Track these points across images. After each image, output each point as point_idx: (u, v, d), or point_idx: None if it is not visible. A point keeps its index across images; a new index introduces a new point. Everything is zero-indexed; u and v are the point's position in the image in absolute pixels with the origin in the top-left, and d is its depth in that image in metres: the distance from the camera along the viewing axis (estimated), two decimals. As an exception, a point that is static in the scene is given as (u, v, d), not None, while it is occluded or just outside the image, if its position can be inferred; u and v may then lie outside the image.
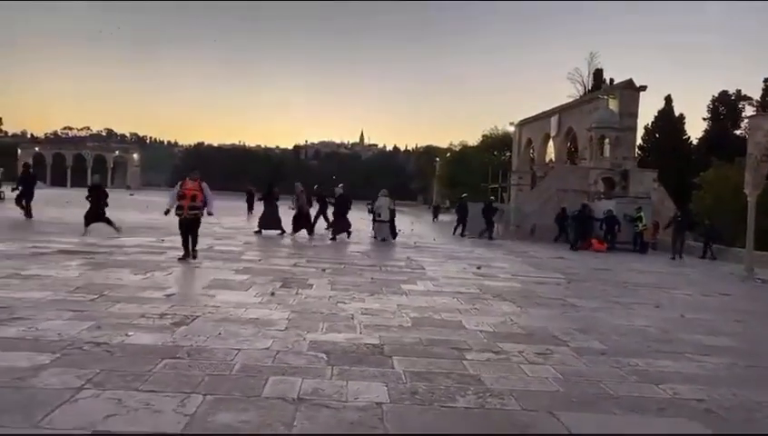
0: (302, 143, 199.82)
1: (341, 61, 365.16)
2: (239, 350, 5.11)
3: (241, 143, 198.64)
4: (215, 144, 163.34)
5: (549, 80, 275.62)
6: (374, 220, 18.77)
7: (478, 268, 12.48)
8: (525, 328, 6.85)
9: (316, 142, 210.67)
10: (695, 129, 51.45)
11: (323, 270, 10.65)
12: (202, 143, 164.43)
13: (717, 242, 21.06)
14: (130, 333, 5.41)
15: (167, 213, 10.92)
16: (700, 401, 4.57)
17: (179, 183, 10.69)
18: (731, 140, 43.54)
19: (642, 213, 21.01)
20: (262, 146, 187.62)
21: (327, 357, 5.07)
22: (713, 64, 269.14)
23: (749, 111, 48.98)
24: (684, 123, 50.50)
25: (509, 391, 4.48)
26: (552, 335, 6.53)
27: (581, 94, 48.09)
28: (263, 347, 5.27)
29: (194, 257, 10.56)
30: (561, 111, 34.04)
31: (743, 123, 45.57)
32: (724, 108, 50.34)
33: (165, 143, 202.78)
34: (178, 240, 11.20)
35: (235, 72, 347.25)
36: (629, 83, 28.28)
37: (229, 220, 22.74)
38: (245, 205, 30.76)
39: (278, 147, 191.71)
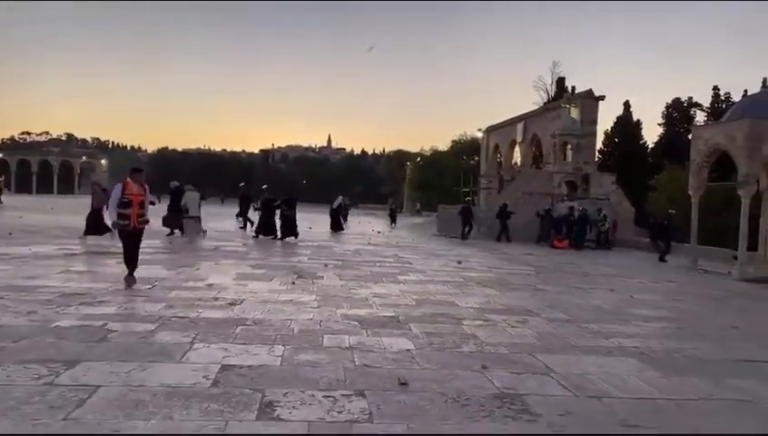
0: (269, 147, 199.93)
1: (308, 65, 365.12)
2: (291, 320, 6.61)
3: (206, 148, 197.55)
4: (179, 149, 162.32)
5: (515, 87, 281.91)
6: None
7: (459, 263, 14.14)
8: (504, 305, 8.50)
9: (283, 146, 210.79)
10: (652, 134, 54.52)
11: (325, 265, 12.14)
12: (167, 148, 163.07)
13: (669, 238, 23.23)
14: (199, 311, 6.84)
15: (114, 227, 8.55)
16: (636, 348, 6.26)
17: (118, 186, 8.33)
18: (683, 144, 46.36)
19: (605, 214, 23.22)
20: (228, 150, 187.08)
21: (359, 324, 6.61)
22: (667, 73, 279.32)
23: (700, 116, 52.26)
24: (641, 129, 53.36)
25: (499, 343, 6.10)
26: (527, 309, 8.20)
27: (545, 100, 50.60)
28: (308, 318, 6.77)
29: (134, 282, 8.22)
30: (526, 118, 36.09)
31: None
32: (677, 114, 53.42)
33: (128, 147, 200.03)
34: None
35: (197, 76, 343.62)
36: (589, 93, 30.46)
37: (220, 224, 23.94)
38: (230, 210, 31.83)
39: (244, 151, 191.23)
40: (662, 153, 46.73)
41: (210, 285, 8.71)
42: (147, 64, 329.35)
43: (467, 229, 23.86)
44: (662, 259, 18.79)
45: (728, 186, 19.04)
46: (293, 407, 3.91)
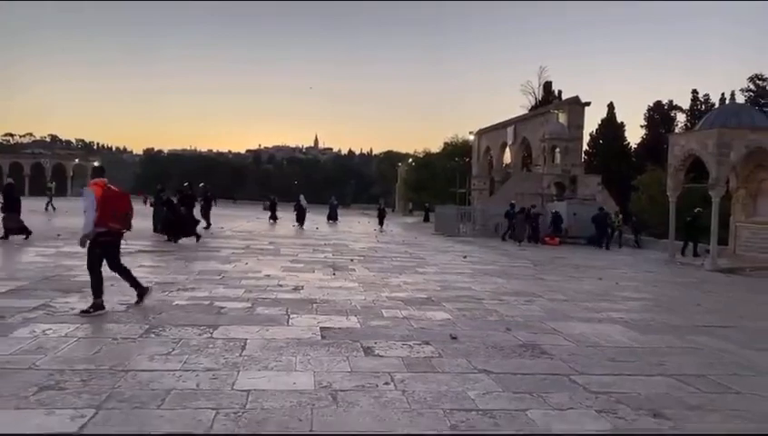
0: (256, 147, 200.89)
1: (293, 65, 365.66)
2: (349, 300, 8.37)
3: (193, 148, 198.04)
4: (165, 150, 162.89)
5: (504, 91, 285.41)
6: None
7: (464, 257, 15.97)
8: (513, 290, 10.32)
9: (270, 146, 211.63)
10: (635, 135, 56.96)
11: (351, 260, 13.89)
12: (152, 149, 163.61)
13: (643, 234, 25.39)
14: (273, 294, 8.56)
15: (85, 241, 6.73)
16: (621, 318, 8.10)
17: (88, 191, 6.75)
18: (665, 146, 48.72)
19: (621, 215, 25.47)
20: (214, 151, 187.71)
21: (403, 302, 8.38)
22: (649, 77, 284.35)
23: (680, 118, 54.74)
24: (625, 130, 55.64)
25: (515, 314, 7.91)
26: (531, 292, 10.04)
27: (533, 104, 52.67)
28: (361, 299, 8.53)
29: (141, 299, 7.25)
30: (516, 122, 38.13)
31: (677, 130, 50.86)
32: (659, 116, 55.79)
33: (114, 149, 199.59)
34: (228, 238, 14.13)
35: (182, 77, 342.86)
36: (576, 99, 32.53)
37: (243, 224, 25.58)
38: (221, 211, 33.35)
39: (230, 151, 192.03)
40: (644, 154, 48.98)
41: (267, 276, 10.42)
42: (130, 64, 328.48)
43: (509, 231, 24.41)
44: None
45: (702, 187, 21.04)
46: (385, 349, 5.68)
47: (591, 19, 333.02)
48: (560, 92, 52.33)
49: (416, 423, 3.84)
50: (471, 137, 46.42)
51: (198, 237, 16.46)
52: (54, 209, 31.29)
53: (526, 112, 45.00)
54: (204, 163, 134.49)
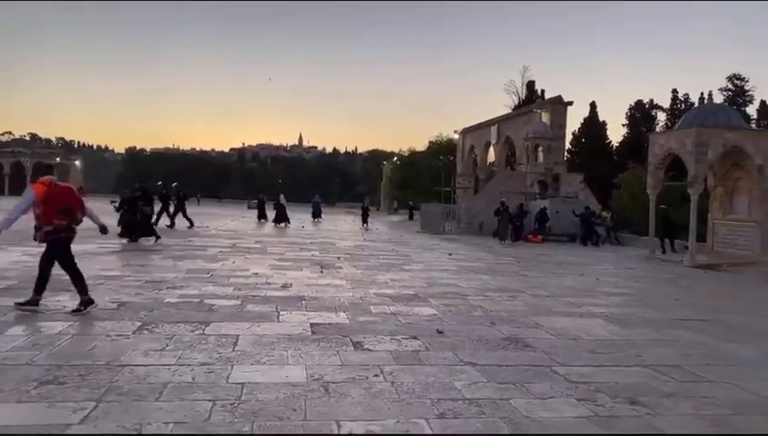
0: (240, 146, 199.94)
1: (278, 62, 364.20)
2: (337, 296, 8.53)
3: (176, 147, 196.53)
4: (148, 149, 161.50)
5: (488, 90, 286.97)
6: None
7: (450, 255, 16.19)
8: (497, 286, 10.56)
9: (254, 144, 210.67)
10: (616, 134, 57.65)
11: (338, 258, 14.04)
12: (135, 148, 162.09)
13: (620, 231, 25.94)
14: (262, 292, 8.69)
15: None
16: (601, 312, 8.36)
17: (29, 190, 6.65)
18: (645, 144, 49.48)
19: (612, 213, 25.74)
20: (198, 150, 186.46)
21: (391, 299, 8.56)
22: (630, 76, 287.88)
23: (661, 117, 55.62)
24: (607, 129, 56.39)
25: (499, 310, 8.12)
26: (515, 288, 10.27)
27: (516, 103, 53.16)
28: (350, 295, 8.69)
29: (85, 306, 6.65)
30: (500, 121, 38.43)
31: (657, 129, 51.68)
32: (640, 115, 56.61)
33: (95, 147, 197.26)
34: (211, 238, 14.19)
35: (164, 75, 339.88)
36: (558, 99, 32.90)
37: (228, 223, 25.56)
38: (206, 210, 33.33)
39: (213, 150, 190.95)
40: (626, 152, 49.70)
41: (255, 274, 10.54)
42: (111, 63, 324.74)
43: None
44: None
45: (681, 185, 21.50)
46: (374, 344, 5.86)
47: (573, 19, 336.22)
48: (543, 91, 52.93)
49: (405, 412, 4.02)
50: (456, 136, 46.72)
51: (158, 237, 15.88)
52: None
53: (510, 111, 45.42)
54: (188, 161, 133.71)
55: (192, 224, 21.58)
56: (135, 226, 15.70)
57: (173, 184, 23.62)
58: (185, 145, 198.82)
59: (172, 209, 21.63)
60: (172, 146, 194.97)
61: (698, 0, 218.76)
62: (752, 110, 50.05)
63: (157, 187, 22.63)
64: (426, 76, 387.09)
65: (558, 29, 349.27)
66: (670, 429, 3.98)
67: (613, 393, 4.66)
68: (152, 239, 15.80)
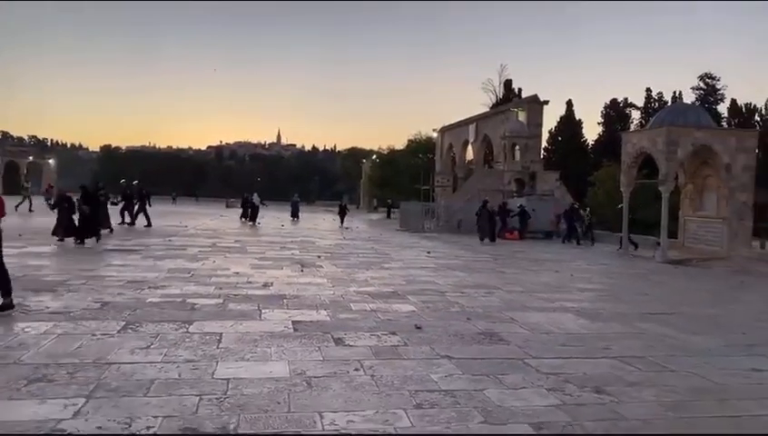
0: (217, 143, 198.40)
1: (254, 60, 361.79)
2: (318, 295, 8.70)
3: (152, 145, 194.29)
4: (123, 147, 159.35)
5: (467, 88, 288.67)
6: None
7: (428, 253, 16.46)
8: (474, 282, 10.83)
9: (232, 142, 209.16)
10: (592, 132, 58.61)
11: (318, 256, 14.20)
12: (110, 146, 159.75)
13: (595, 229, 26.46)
14: (244, 291, 8.83)
15: None
16: (573, 307, 8.67)
17: None
18: (620, 142, 50.37)
19: (589, 212, 25.96)
20: (174, 147, 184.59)
21: (370, 296, 8.77)
22: (606, 75, 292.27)
23: (635, 115, 56.65)
24: (582, 128, 57.26)
25: (476, 306, 8.38)
26: (491, 285, 10.56)
27: (494, 102, 53.71)
28: (330, 293, 8.88)
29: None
30: (478, 120, 38.88)
31: (632, 127, 52.66)
32: (615, 113, 57.59)
33: (69, 145, 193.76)
34: (188, 236, 14.24)
35: (139, 72, 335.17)
36: (535, 98, 33.40)
37: (207, 223, 25.52)
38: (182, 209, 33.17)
39: (190, 148, 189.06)
40: (601, 150, 50.57)
41: (236, 273, 10.66)
42: (83, 60, 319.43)
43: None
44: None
45: (653, 183, 22.08)
46: (355, 340, 6.06)
47: (551, 17, 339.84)
48: (520, 90, 53.50)
49: (384, 403, 4.24)
50: (435, 134, 47.10)
51: (99, 237, 15.41)
52: (31, 209, 29.79)
53: (488, 109, 45.90)
54: (165, 159, 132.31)
55: (149, 224, 21.22)
56: (80, 226, 14.95)
57: (134, 182, 23.25)
58: (162, 143, 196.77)
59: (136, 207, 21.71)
60: (148, 144, 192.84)
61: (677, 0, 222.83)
62: (723, 109, 51.28)
63: (120, 185, 22.57)
64: (405, 74, 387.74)
65: (536, 28, 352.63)
66: (632, 415, 4.25)
67: (581, 383, 4.93)
68: (94, 238, 15.13)
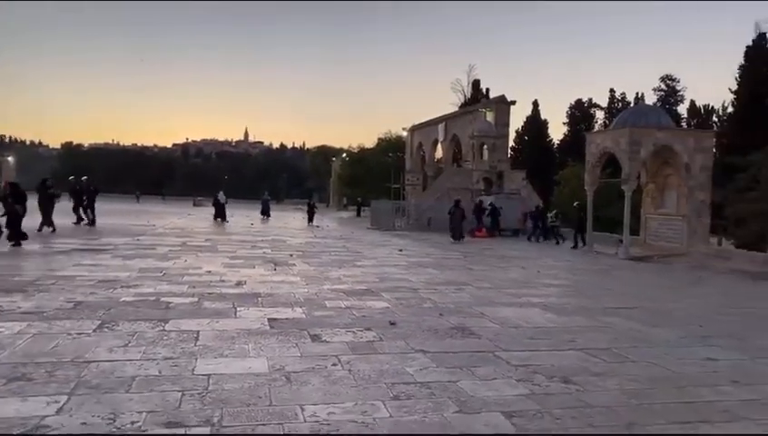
0: (183, 141, 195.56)
1: (219, 57, 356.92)
2: (293, 293, 8.80)
3: (116, 142, 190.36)
4: (86, 144, 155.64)
5: (435, 87, 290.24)
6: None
7: (400, 250, 16.66)
8: (445, 279, 11.07)
9: (198, 140, 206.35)
10: (558, 132, 59.82)
11: (290, 255, 14.25)
12: (71, 143, 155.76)
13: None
14: (217, 290, 8.86)
15: None
16: (540, 302, 8.97)
17: None
18: (584, 142, 51.50)
19: (556, 211, 26.23)
20: (138, 145, 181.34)
21: (344, 294, 8.91)
22: (571, 76, 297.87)
23: (599, 115, 58.01)
24: (548, 127, 58.41)
25: (447, 301, 8.61)
26: (462, 281, 10.81)
27: (462, 101, 54.33)
28: (305, 291, 8.99)
29: None
30: (447, 120, 39.29)
31: (596, 127, 53.89)
32: (580, 114, 58.85)
33: (28, 142, 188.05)
34: (152, 237, 14.14)
35: (102, 68, 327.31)
36: (502, 98, 33.96)
37: (175, 221, 25.21)
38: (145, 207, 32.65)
39: (156, 145, 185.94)
40: (566, 149, 51.65)
41: (209, 272, 10.66)
42: (43, 56, 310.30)
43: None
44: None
45: (617, 182, 22.73)
46: (331, 336, 6.20)
47: (518, 19, 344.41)
48: (488, 90, 54.29)
49: (363, 395, 4.39)
50: (405, 133, 47.38)
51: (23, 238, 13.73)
52: None
53: (457, 109, 46.43)
54: (129, 157, 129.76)
55: (93, 222, 20.45)
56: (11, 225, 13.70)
57: (83, 178, 22.17)
58: (126, 141, 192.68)
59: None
60: (111, 141, 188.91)
61: (639, 0, 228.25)
62: (683, 109, 52.90)
63: (69, 182, 21.99)
64: (375, 74, 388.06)
65: (503, 28, 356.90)
66: (597, 402, 4.50)
67: (549, 374, 5.17)
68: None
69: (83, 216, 20.66)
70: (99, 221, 21.12)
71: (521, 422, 4.01)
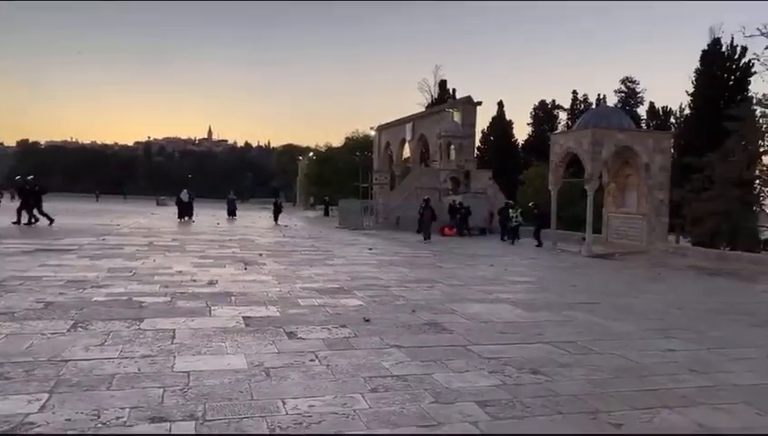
0: (145, 139, 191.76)
1: (182, 54, 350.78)
2: (265, 292, 8.86)
3: (74, 140, 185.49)
4: (42, 142, 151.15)
5: (403, 87, 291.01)
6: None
7: (370, 249, 16.81)
8: (416, 277, 11.26)
9: (160, 138, 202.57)
10: (522, 132, 61.07)
11: (260, 254, 14.25)
12: (27, 141, 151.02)
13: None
14: (190, 289, 8.86)
15: None
16: (508, 298, 9.24)
17: None
18: (548, 142, 52.53)
19: (520, 211, 26.40)
20: (98, 143, 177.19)
21: (317, 292, 9.01)
22: (535, 77, 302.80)
23: (562, 116, 59.24)
24: (513, 128, 59.31)
25: (419, 299, 8.79)
26: (432, 279, 11.02)
27: (429, 101, 54.80)
28: (277, 290, 9.05)
29: None
30: (415, 119, 39.63)
31: (559, 128, 55.03)
32: (543, 114, 59.99)
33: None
34: (115, 237, 13.97)
35: (58, 61, 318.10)
36: (468, 99, 34.48)
37: (140, 221, 24.78)
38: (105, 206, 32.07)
39: (116, 143, 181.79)
40: (531, 149, 52.58)
41: (179, 272, 10.61)
42: None
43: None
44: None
45: (579, 181, 23.35)
46: (307, 333, 6.31)
47: (484, 20, 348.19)
48: (454, 90, 54.79)
49: (341, 389, 4.52)
50: (372, 133, 47.53)
51: None
52: None
53: (424, 109, 46.82)
54: (89, 155, 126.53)
55: (30, 222, 19.72)
56: None
57: (29, 178, 21.39)
58: (85, 139, 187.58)
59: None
60: (70, 139, 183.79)
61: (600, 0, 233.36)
62: (642, 111, 54.44)
63: (16, 181, 21.43)
64: (343, 73, 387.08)
65: (470, 29, 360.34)
66: (564, 391, 4.73)
67: (519, 366, 5.39)
68: None
69: (34, 216, 20.03)
70: (59, 220, 20.65)
71: (494, 411, 4.21)
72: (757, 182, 28.63)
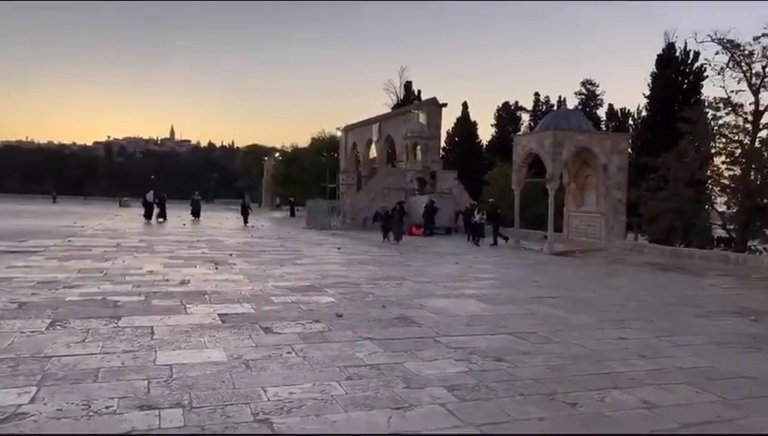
0: (105, 139, 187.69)
1: (144, 53, 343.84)
2: (238, 290, 9.05)
3: (29, 139, 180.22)
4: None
5: (369, 88, 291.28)
6: None
7: (338, 249, 17.06)
8: (385, 275, 11.59)
9: (121, 138, 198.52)
10: (486, 133, 62.26)
11: (230, 254, 14.36)
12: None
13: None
14: (163, 288, 8.98)
15: None
16: (474, 294, 9.65)
17: None
18: (511, 143, 53.54)
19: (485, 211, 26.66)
20: (55, 142, 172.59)
21: (289, 290, 9.25)
22: (499, 79, 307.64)
23: (525, 118, 60.47)
24: (477, 129, 60.24)
25: (389, 295, 9.12)
26: (400, 276, 11.37)
27: (395, 102, 55.25)
28: (249, 289, 9.25)
29: None
30: (381, 120, 39.97)
31: (522, 130, 56.16)
32: (507, 116, 61.09)
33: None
34: (82, 238, 13.91)
35: (13, 58, 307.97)
36: (434, 100, 34.99)
37: (104, 223, 24.43)
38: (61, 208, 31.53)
39: (75, 143, 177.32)
40: (495, 150, 53.54)
41: (150, 272, 10.69)
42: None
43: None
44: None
45: (541, 181, 24.06)
46: (282, 328, 6.56)
47: (449, 22, 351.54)
48: (420, 91, 55.44)
49: (319, 377, 4.81)
50: (339, 133, 47.71)
51: None
52: None
53: (390, 110, 47.23)
54: (47, 155, 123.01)
55: None
56: None
57: None
58: (42, 139, 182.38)
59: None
60: (25, 139, 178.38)
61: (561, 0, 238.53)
62: (602, 112, 55.97)
63: None
64: (306, 73, 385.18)
65: (434, 30, 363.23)
66: (525, 376, 5.12)
67: (483, 354, 5.76)
68: None
69: None
70: (14, 222, 20.28)
71: (461, 394, 4.56)
72: (709, 182, 29.89)
